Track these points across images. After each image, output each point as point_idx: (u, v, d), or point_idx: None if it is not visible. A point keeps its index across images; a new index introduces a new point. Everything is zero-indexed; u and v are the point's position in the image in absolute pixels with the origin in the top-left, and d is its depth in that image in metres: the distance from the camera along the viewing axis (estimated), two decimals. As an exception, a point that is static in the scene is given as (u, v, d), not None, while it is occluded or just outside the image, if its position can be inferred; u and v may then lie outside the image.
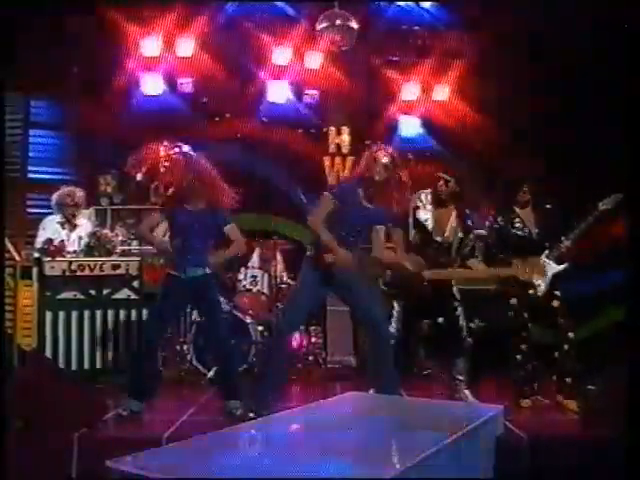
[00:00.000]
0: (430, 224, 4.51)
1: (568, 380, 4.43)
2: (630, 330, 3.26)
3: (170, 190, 4.26)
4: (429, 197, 4.56)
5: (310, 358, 5.73)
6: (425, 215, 4.53)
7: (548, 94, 6.42)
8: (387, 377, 4.05)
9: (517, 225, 4.58)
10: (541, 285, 4.49)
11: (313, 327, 5.86)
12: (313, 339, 5.81)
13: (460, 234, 4.49)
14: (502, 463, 2.80)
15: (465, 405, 3.83)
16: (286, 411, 3.02)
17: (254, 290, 5.72)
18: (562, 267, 4.50)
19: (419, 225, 4.53)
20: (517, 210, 4.61)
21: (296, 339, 5.62)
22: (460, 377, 4.47)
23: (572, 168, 6.01)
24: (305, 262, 4.16)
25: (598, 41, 5.84)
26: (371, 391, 4.55)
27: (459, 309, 4.51)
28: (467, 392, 4.47)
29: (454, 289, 4.57)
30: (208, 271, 4.19)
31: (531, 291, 4.50)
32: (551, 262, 4.50)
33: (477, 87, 6.98)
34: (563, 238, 4.46)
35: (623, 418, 3.02)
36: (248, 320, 5.43)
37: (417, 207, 4.56)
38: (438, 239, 4.48)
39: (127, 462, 2.01)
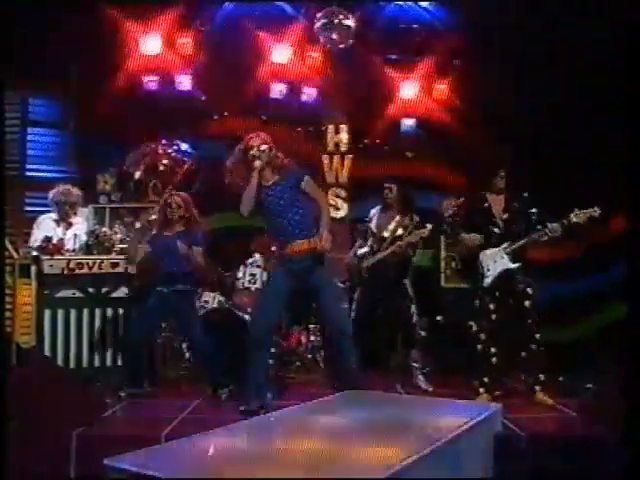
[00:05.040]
0: (376, 228, 5.14)
1: (540, 377, 4.40)
2: (629, 329, 3.26)
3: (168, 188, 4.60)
4: (378, 210, 5.21)
5: (309, 356, 5.74)
6: (374, 223, 5.18)
7: (548, 93, 6.41)
8: (348, 373, 4.13)
9: (485, 211, 4.50)
10: (489, 277, 4.45)
11: (312, 325, 5.86)
12: (312, 337, 5.81)
13: (400, 230, 5.01)
14: (501, 461, 2.81)
15: (464, 403, 3.83)
16: (285, 409, 3.02)
17: (253, 288, 5.72)
18: (515, 265, 4.41)
19: (371, 232, 5.16)
20: (488, 196, 4.54)
21: (295, 337, 5.64)
22: (415, 364, 5.04)
23: (570, 170, 6.01)
24: (272, 260, 4.26)
25: (598, 39, 5.84)
26: None
27: (413, 304, 5.02)
28: (421, 377, 5.00)
29: (407, 283, 5.07)
30: (190, 288, 4.77)
31: (478, 282, 4.49)
32: (505, 257, 4.43)
33: (476, 86, 6.97)
34: (525, 238, 4.37)
35: (622, 417, 3.02)
36: (247, 318, 5.42)
37: (370, 219, 5.24)
38: (384, 235, 5.05)
39: (126, 460, 2.02)
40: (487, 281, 4.45)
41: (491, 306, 4.43)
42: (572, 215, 4.25)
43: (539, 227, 4.36)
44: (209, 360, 4.77)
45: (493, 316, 4.43)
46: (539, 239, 4.34)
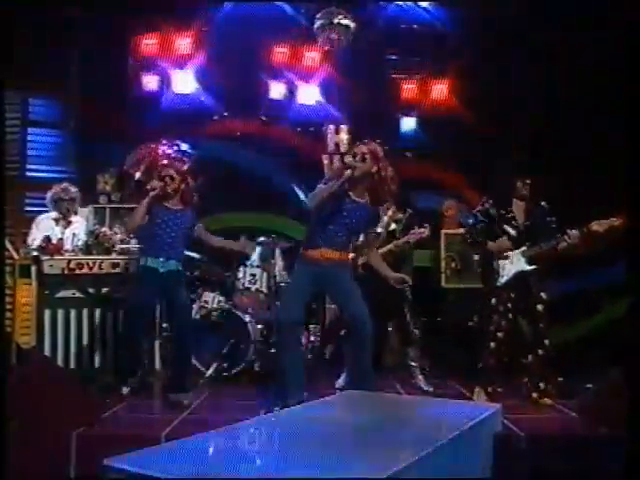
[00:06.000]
0: None
1: (541, 385, 4.45)
2: (629, 328, 3.26)
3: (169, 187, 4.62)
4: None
5: (309, 357, 5.73)
6: None
7: (548, 94, 6.42)
8: (363, 374, 4.09)
9: (508, 215, 4.54)
10: (503, 277, 4.47)
11: (312, 325, 5.86)
12: (312, 337, 5.81)
13: (393, 225, 5.05)
14: (501, 461, 2.81)
15: (464, 403, 3.83)
16: (286, 409, 3.02)
17: (253, 289, 5.71)
18: (530, 268, 4.44)
19: None
20: (514, 201, 4.57)
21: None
22: (413, 363, 5.05)
23: (571, 169, 6.00)
24: (297, 258, 4.24)
25: (598, 39, 5.84)
26: (340, 380, 4.89)
27: (407, 303, 5.05)
28: (421, 377, 5.01)
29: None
30: (180, 267, 4.72)
31: (492, 280, 4.50)
32: (522, 259, 4.45)
33: (476, 87, 6.98)
34: (544, 244, 4.40)
35: (622, 417, 3.02)
36: (247, 319, 5.43)
37: None
38: (378, 230, 4.83)
39: (126, 460, 2.01)
40: (501, 281, 4.47)
41: (509, 305, 4.45)
42: (593, 224, 4.24)
43: (557, 234, 4.39)
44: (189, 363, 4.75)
45: (510, 315, 4.45)
46: (558, 245, 4.37)
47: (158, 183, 4.65)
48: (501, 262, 4.50)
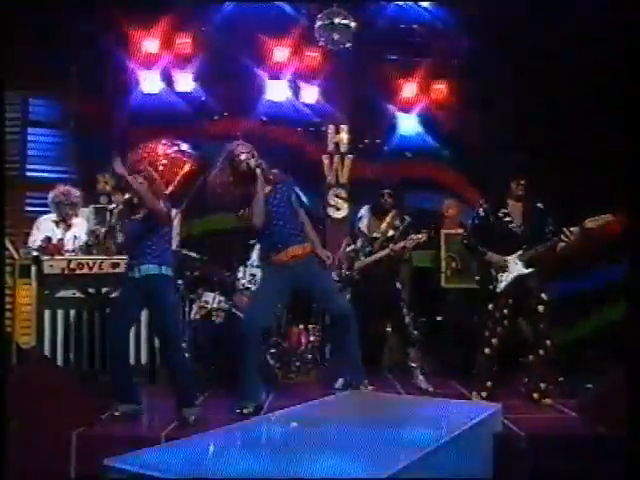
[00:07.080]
0: (367, 229, 5.16)
1: (542, 385, 4.44)
2: (629, 328, 3.26)
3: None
4: (367, 209, 5.24)
5: (309, 357, 5.73)
6: (364, 223, 5.19)
7: (548, 94, 6.41)
8: (354, 367, 4.23)
9: (505, 218, 4.52)
10: (502, 282, 4.45)
11: (312, 325, 5.85)
12: (312, 337, 5.80)
13: (391, 231, 5.05)
14: (501, 461, 2.81)
15: (464, 403, 3.83)
16: (286, 409, 3.02)
17: (253, 289, 5.71)
18: (528, 270, 4.42)
19: (360, 232, 5.19)
20: (509, 202, 4.56)
21: (295, 337, 5.63)
22: (413, 364, 5.04)
23: (570, 170, 6.00)
24: (263, 265, 4.35)
25: (598, 39, 5.84)
26: (339, 382, 4.85)
27: (405, 305, 5.07)
28: (421, 377, 5.00)
29: (397, 285, 5.11)
30: (164, 271, 4.09)
31: (490, 286, 4.49)
32: (519, 263, 4.43)
33: (476, 87, 6.98)
34: (540, 245, 4.38)
35: (622, 417, 3.02)
36: (247, 319, 5.42)
37: (360, 218, 5.26)
38: (375, 235, 5.08)
39: (126, 460, 2.02)
40: (500, 286, 4.46)
41: (505, 311, 4.44)
42: (587, 221, 4.22)
43: (551, 235, 4.39)
44: (187, 374, 4.17)
45: (506, 322, 4.44)
46: (554, 245, 4.35)
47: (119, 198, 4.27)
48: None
